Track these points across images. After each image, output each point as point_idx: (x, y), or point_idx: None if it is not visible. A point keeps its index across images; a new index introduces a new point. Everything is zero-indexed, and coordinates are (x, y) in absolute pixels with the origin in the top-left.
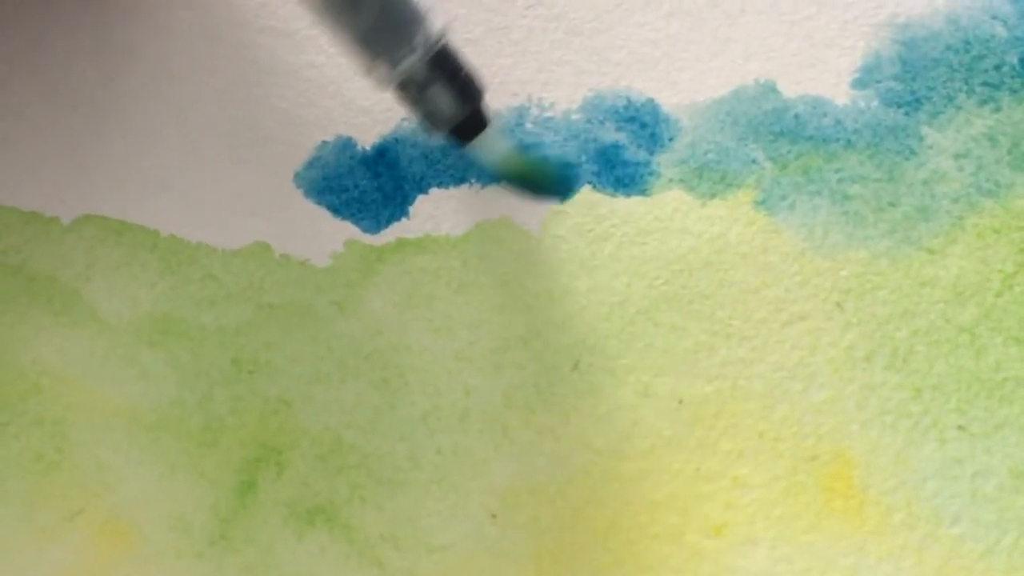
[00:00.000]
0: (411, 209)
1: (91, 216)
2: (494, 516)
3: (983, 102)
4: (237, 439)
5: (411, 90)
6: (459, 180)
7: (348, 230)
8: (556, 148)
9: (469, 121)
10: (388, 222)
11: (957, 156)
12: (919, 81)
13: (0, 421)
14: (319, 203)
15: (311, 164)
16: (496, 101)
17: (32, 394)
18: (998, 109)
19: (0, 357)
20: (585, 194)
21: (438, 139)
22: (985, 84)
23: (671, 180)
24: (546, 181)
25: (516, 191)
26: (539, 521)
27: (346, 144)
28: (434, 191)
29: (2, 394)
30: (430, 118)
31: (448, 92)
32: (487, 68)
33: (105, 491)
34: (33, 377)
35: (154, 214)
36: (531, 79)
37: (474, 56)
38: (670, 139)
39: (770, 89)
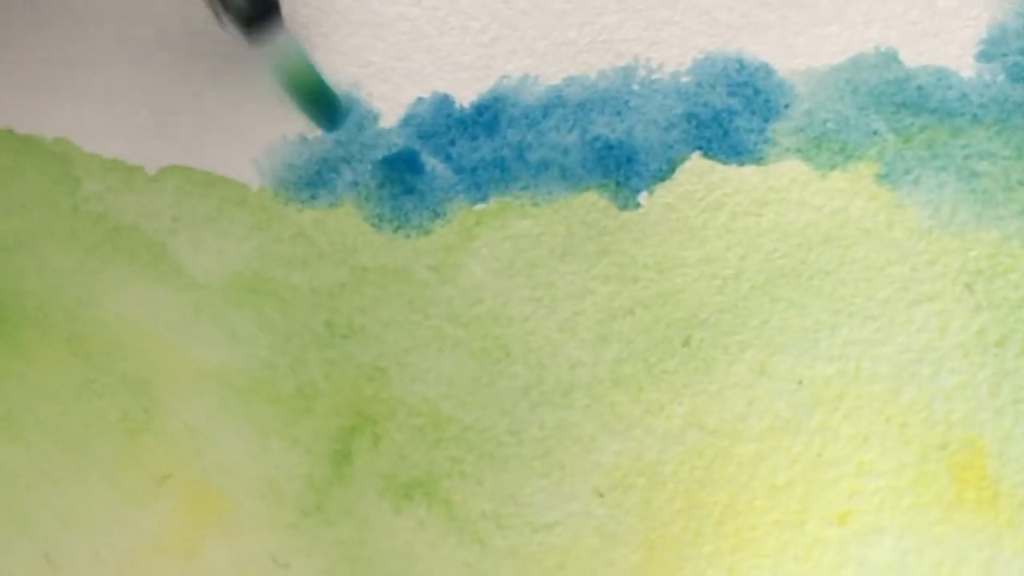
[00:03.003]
0: (513, 171)
1: (176, 166)
2: (601, 495)
3: None
4: (331, 406)
5: None
6: (560, 143)
7: (446, 191)
8: (664, 112)
9: (260, 13)
10: (489, 184)
11: None
12: None
13: (85, 377)
14: (414, 162)
15: (406, 121)
16: (601, 61)
17: (117, 350)
18: None
19: (83, 309)
20: (695, 161)
21: (232, 32)
22: None
23: (787, 149)
24: (319, 103)
25: (292, 102)
26: (650, 503)
27: (443, 101)
28: (536, 151)
29: (85, 349)
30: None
31: None
32: (591, 26)
33: (195, 455)
34: (117, 332)
35: (240, 168)
36: (637, 38)
37: (578, 13)
38: (785, 106)
39: (891, 58)
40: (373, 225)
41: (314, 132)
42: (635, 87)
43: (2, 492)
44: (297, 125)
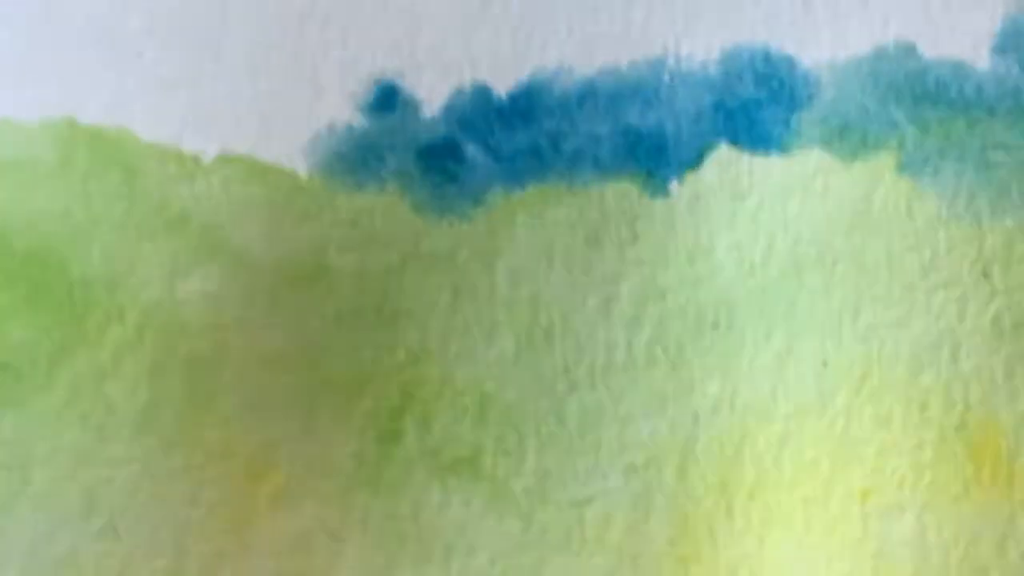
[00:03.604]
0: (549, 159)
1: (230, 155)
2: (636, 472)
3: None
4: (381, 387)
5: None
6: (593, 132)
7: (486, 179)
8: (694, 102)
9: None
10: (526, 172)
11: None
12: None
13: (152, 360)
14: (455, 150)
15: (447, 110)
16: (632, 52)
17: (180, 333)
18: None
19: (148, 294)
20: (723, 151)
21: None
22: None
23: (811, 139)
24: None
25: None
26: (683, 479)
27: (482, 91)
28: (571, 140)
29: (151, 332)
30: None
31: None
32: (622, 18)
33: (253, 433)
34: (181, 315)
35: (290, 156)
36: (667, 30)
37: (609, 6)
38: (809, 97)
39: (910, 51)
40: (417, 212)
41: (359, 121)
42: (665, 78)
43: (70, 469)
44: (342, 114)
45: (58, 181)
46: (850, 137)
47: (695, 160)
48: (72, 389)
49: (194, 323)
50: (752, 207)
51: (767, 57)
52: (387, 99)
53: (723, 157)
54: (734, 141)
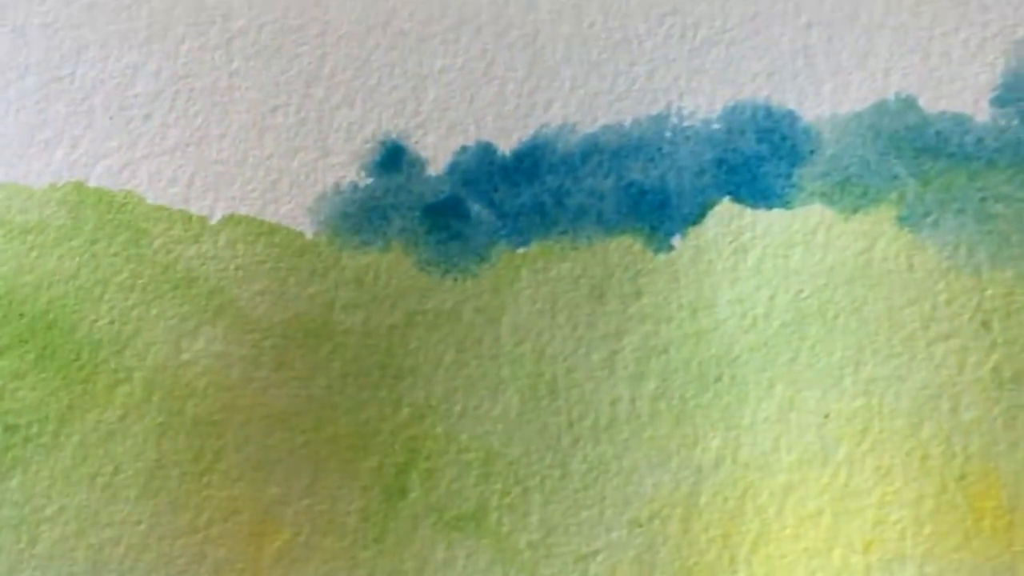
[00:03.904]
0: (553, 215)
1: (236, 215)
2: (640, 526)
3: None
4: (386, 443)
5: None
6: (597, 188)
7: (490, 236)
8: (696, 158)
9: None
10: (530, 229)
11: None
12: None
13: (159, 420)
14: (460, 208)
15: (452, 168)
16: (635, 109)
17: (188, 393)
18: None
19: (156, 354)
20: (725, 206)
21: None
22: None
23: (812, 193)
24: None
25: None
26: (686, 532)
27: (486, 149)
28: (575, 197)
29: (159, 392)
30: None
31: None
32: (625, 75)
33: (259, 491)
34: (188, 376)
35: (296, 216)
36: (669, 87)
37: (612, 63)
38: (811, 152)
39: (910, 104)
40: (422, 269)
41: (365, 181)
42: (667, 134)
43: (77, 529)
44: (348, 174)
45: (66, 244)
46: (851, 191)
47: (697, 215)
48: (80, 450)
49: (200, 383)
50: (754, 261)
51: (768, 112)
52: (392, 158)
53: (725, 212)
54: (736, 196)
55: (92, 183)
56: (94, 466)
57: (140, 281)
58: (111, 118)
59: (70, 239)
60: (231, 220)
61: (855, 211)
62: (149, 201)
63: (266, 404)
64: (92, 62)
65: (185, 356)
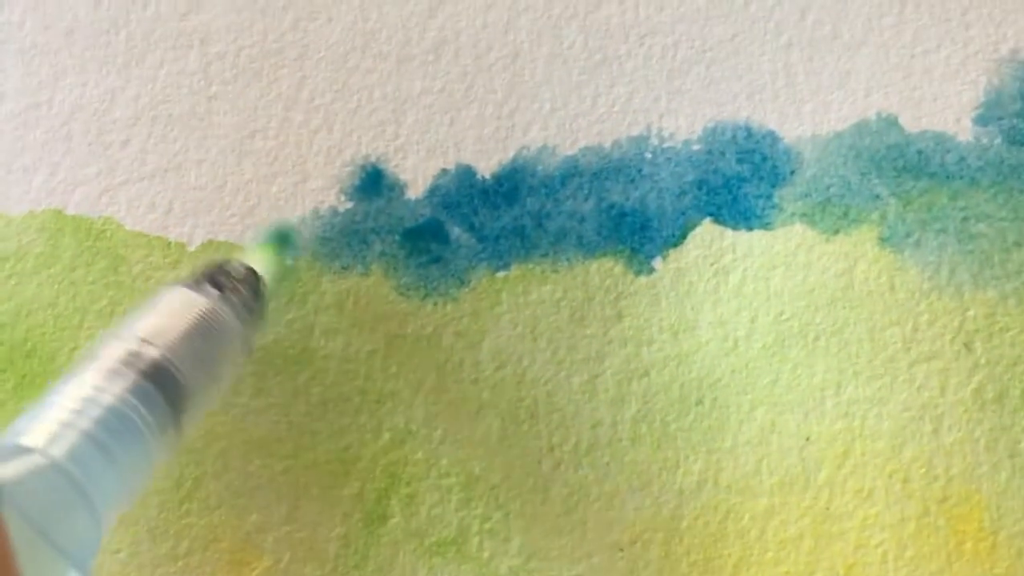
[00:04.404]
0: (533, 239)
1: (215, 241)
2: (621, 550)
3: None
4: (366, 469)
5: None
6: (577, 211)
7: (470, 260)
8: (676, 179)
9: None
10: (510, 252)
11: None
12: None
13: None
14: (440, 232)
15: (431, 192)
16: (615, 130)
17: None
18: None
19: None
20: (706, 227)
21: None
22: None
23: (793, 214)
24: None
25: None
26: (667, 556)
27: (466, 172)
28: (555, 219)
29: None
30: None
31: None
32: (605, 97)
33: (239, 519)
34: None
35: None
36: (649, 108)
37: (592, 85)
38: (791, 172)
39: (892, 123)
40: (402, 294)
41: (344, 205)
42: (648, 155)
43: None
44: (327, 198)
45: (45, 272)
46: (832, 211)
47: (678, 237)
48: None
49: None
50: (735, 283)
51: (749, 133)
52: (372, 182)
53: (706, 234)
54: (717, 217)
55: (71, 210)
56: None
57: (119, 308)
58: (89, 144)
59: (48, 267)
60: (210, 246)
61: (836, 232)
62: (128, 228)
63: (246, 430)
64: (70, 88)
65: None
